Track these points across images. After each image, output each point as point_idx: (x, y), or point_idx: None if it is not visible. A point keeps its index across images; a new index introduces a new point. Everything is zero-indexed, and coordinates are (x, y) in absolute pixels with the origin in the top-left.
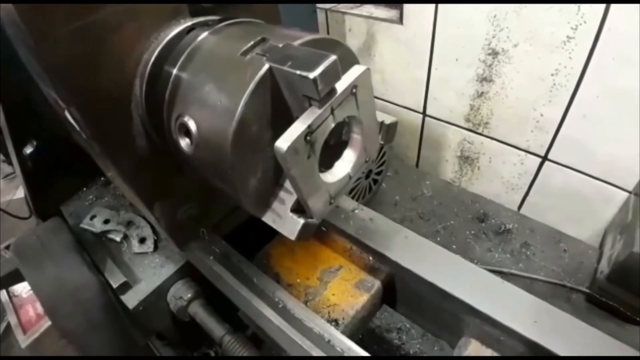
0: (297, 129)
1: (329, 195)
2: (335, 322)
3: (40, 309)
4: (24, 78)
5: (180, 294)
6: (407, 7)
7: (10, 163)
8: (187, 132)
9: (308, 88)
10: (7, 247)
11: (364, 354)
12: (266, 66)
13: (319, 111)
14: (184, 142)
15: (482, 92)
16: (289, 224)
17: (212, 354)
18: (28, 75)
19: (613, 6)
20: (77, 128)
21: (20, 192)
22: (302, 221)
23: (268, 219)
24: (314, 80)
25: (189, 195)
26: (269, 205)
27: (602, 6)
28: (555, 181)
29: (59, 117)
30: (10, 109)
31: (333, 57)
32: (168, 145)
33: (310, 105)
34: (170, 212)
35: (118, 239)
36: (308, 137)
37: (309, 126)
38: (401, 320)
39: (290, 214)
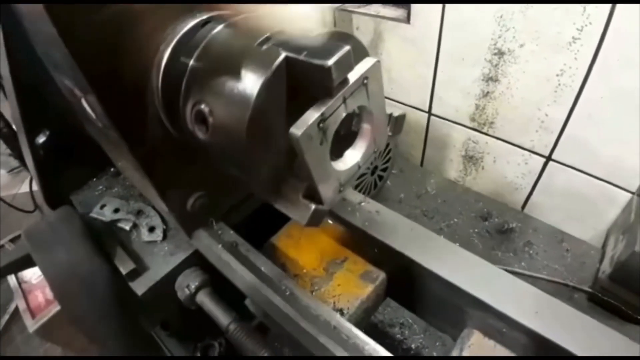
0: (311, 115)
1: (339, 183)
2: (340, 312)
3: (49, 294)
4: (38, 70)
5: (188, 282)
6: (415, 7)
7: (17, 157)
8: (203, 120)
9: (323, 77)
10: (12, 240)
11: (370, 341)
12: (282, 55)
13: (332, 100)
14: (200, 130)
15: (488, 92)
16: (299, 210)
17: (216, 345)
18: (42, 67)
19: (618, 8)
20: (93, 117)
21: (25, 187)
22: (312, 207)
23: (279, 205)
24: (329, 69)
25: (200, 184)
26: (281, 192)
27: (608, 8)
28: (559, 181)
29: (71, 108)
30: (24, 99)
31: (347, 47)
32: (182, 133)
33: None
34: (181, 200)
35: (127, 227)
36: (321, 125)
37: (322, 114)
38: (404, 316)
39: (302, 200)
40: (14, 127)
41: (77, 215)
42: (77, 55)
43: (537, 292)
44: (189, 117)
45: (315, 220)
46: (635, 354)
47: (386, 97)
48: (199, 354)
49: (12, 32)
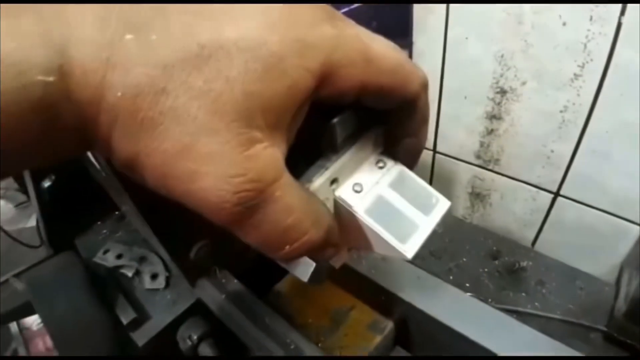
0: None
1: None
2: None
3: (50, 343)
4: None
5: (190, 332)
6: (417, 48)
7: (24, 192)
8: None
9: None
10: (17, 275)
11: None
12: None
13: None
14: None
15: (492, 129)
16: (301, 266)
17: None
18: None
19: (619, 44)
20: (97, 167)
21: (32, 221)
22: (314, 264)
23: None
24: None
25: (204, 233)
26: None
27: (608, 45)
28: (569, 217)
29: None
30: None
31: None
32: None
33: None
34: (184, 250)
35: (130, 274)
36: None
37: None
38: None
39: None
40: None
41: (80, 262)
42: None
43: (551, 341)
44: None
45: (317, 278)
46: None
47: None
48: None
49: None
